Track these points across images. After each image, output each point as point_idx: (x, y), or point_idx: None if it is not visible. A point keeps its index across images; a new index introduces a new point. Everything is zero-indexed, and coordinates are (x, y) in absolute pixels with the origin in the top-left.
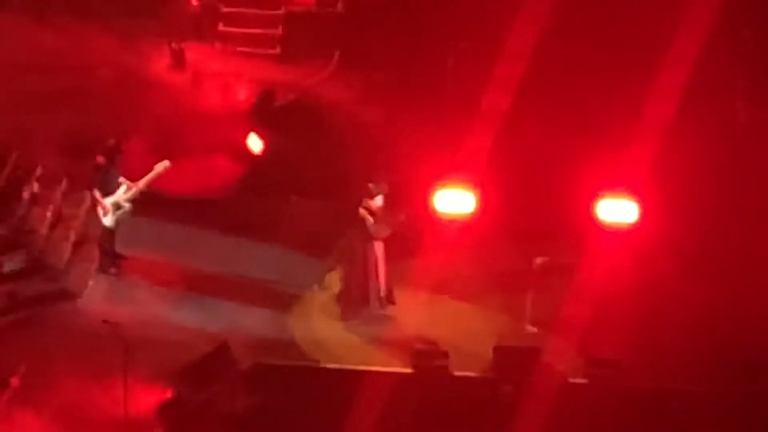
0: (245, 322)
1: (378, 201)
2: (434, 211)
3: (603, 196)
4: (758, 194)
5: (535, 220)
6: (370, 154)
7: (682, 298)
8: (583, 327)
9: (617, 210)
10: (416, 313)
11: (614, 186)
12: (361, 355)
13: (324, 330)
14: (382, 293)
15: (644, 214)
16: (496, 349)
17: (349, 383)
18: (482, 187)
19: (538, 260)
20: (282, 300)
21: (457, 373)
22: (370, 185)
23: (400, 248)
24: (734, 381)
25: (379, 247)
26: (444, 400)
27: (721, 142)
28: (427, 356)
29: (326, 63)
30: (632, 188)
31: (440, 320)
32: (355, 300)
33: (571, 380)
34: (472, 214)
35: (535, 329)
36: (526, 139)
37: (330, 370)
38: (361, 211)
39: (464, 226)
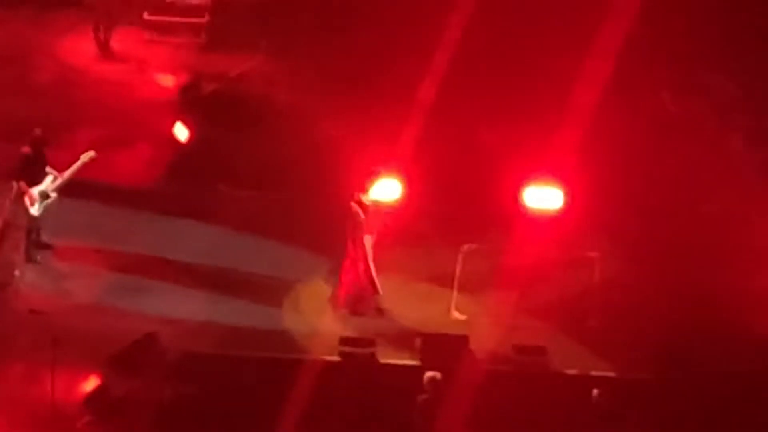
0: (179, 308)
1: (370, 197)
2: (365, 199)
3: (529, 183)
4: (683, 180)
5: (461, 207)
6: (298, 142)
7: (609, 284)
8: (509, 314)
9: (543, 197)
10: None
11: (540, 173)
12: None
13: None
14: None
15: (570, 201)
16: (423, 337)
17: (277, 372)
18: (409, 175)
19: (465, 247)
20: (217, 284)
21: (383, 361)
22: (364, 180)
23: (331, 236)
24: (662, 366)
25: (368, 241)
26: (371, 388)
27: (648, 129)
28: (355, 344)
29: (253, 52)
30: (558, 175)
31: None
32: (349, 292)
33: (498, 367)
34: (399, 201)
35: (462, 316)
36: (453, 127)
37: (259, 359)
38: (353, 205)
39: (391, 214)
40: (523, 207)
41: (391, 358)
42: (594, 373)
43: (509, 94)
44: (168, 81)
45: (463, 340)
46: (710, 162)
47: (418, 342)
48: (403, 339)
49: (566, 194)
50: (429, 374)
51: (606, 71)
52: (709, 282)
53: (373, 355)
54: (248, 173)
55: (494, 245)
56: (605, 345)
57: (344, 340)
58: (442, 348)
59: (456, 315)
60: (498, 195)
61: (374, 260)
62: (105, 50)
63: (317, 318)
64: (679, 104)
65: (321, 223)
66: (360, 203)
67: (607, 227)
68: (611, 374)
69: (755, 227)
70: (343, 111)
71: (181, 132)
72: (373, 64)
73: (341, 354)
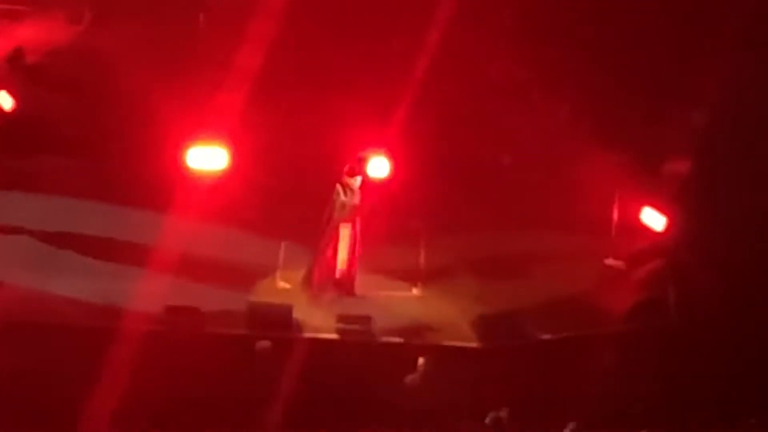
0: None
1: (357, 181)
2: (186, 168)
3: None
4: (509, 149)
5: (286, 177)
6: (123, 110)
7: (435, 252)
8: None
9: (371, 166)
10: None
11: (374, 143)
12: None
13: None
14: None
15: (395, 170)
16: (249, 305)
17: (94, 342)
18: (234, 144)
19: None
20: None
21: (210, 330)
22: (351, 165)
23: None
24: (487, 334)
25: (345, 227)
26: (198, 358)
27: (474, 99)
28: (177, 313)
29: (78, 18)
30: (386, 146)
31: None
32: (321, 277)
33: (323, 336)
34: (224, 170)
35: (288, 285)
36: (278, 96)
37: (79, 329)
38: (338, 186)
39: (216, 183)
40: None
41: (218, 327)
42: (419, 341)
43: (338, 66)
44: None
45: (289, 308)
46: (535, 131)
47: (243, 310)
48: (228, 308)
49: (391, 163)
50: (261, 343)
51: (434, 41)
52: (531, 248)
53: (201, 324)
54: (72, 142)
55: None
56: (430, 314)
57: (167, 309)
58: (269, 316)
59: (282, 284)
60: (326, 165)
61: (196, 230)
62: None
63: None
64: (505, 74)
65: (138, 192)
66: (346, 186)
67: (432, 197)
68: (437, 342)
69: (577, 195)
70: (170, 78)
71: (5, 101)
72: (200, 32)
73: (165, 323)
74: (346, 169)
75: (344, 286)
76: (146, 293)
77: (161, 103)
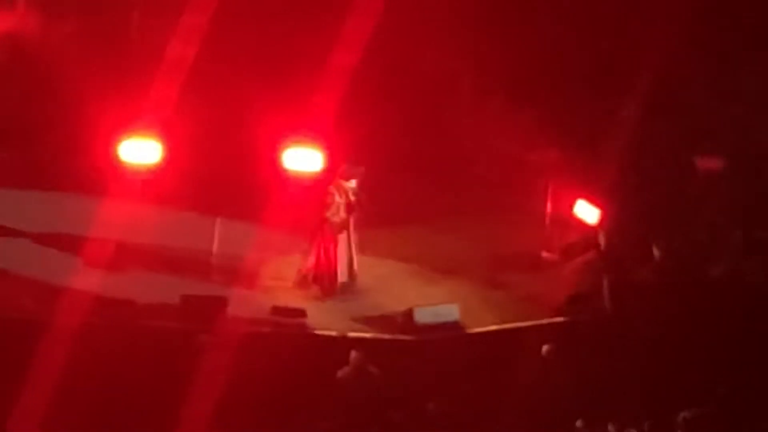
0: None
1: (352, 183)
2: (119, 161)
3: (288, 145)
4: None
5: (219, 169)
6: (56, 103)
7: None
8: (267, 276)
9: (300, 159)
10: None
11: (299, 135)
12: None
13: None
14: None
15: (329, 162)
16: (182, 298)
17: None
18: (168, 137)
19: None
20: None
21: (143, 323)
22: (346, 167)
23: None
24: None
25: (340, 228)
26: (131, 351)
27: (407, 89)
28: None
29: (11, 9)
30: (317, 137)
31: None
32: (324, 278)
33: (257, 329)
34: (158, 163)
35: (222, 278)
36: (211, 88)
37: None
38: (331, 189)
39: (150, 176)
40: (283, 169)
41: (153, 320)
42: (352, 334)
43: (268, 56)
44: None
45: (222, 301)
46: (468, 123)
47: (177, 303)
48: (161, 301)
49: (326, 156)
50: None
51: (366, 31)
52: (464, 240)
53: (133, 317)
54: (3, 134)
55: (253, 209)
56: (362, 309)
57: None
58: (202, 309)
59: (216, 278)
60: (256, 156)
61: (131, 222)
62: None
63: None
64: (438, 66)
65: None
66: (339, 187)
67: (365, 189)
68: (368, 335)
69: (510, 187)
70: (103, 70)
71: None
72: (132, 25)
73: (97, 315)
74: (340, 171)
75: (345, 285)
76: (81, 285)
77: (94, 96)
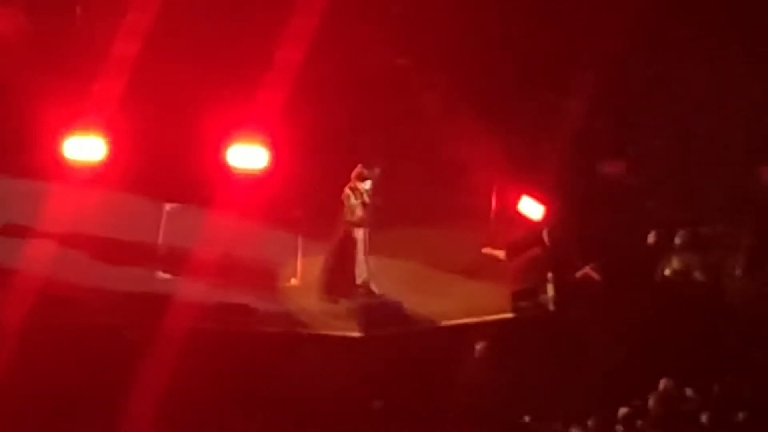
0: None
1: (367, 185)
2: (64, 159)
3: (233, 142)
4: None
5: (165, 166)
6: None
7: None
8: (214, 272)
9: (247, 156)
10: None
11: (244, 132)
12: None
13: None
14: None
15: (275, 160)
16: (126, 296)
17: None
18: (113, 134)
19: (167, 207)
20: None
21: (86, 321)
22: (362, 169)
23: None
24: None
25: (359, 231)
26: (75, 350)
27: (352, 86)
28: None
29: None
30: (262, 134)
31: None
32: (337, 281)
33: (202, 325)
34: (102, 161)
35: (167, 275)
36: (157, 84)
37: None
38: (346, 191)
39: (94, 174)
40: (227, 166)
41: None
42: (300, 330)
43: (214, 52)
44: None
45: (166, 298)
46: (413, 120)
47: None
48: (106, 298)
49: (271, 153)
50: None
51: (313, 28)
52: (409, 237)
53: (80, 315)
54: None
55: (199, 204)
56: (309, 303)
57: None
58: (144, 307)
59: (160, 274)
60: (202, 153)
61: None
62: None
63: None
64: (384, 62)
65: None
66: (355, 189)
67: (311, 186)
68: (324, 333)
69: (455, 184)
70: (47, 67)
71: None
72: (76, 20)
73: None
74: (355, 173)
75: (362, 287)
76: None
77: (38, 94)
